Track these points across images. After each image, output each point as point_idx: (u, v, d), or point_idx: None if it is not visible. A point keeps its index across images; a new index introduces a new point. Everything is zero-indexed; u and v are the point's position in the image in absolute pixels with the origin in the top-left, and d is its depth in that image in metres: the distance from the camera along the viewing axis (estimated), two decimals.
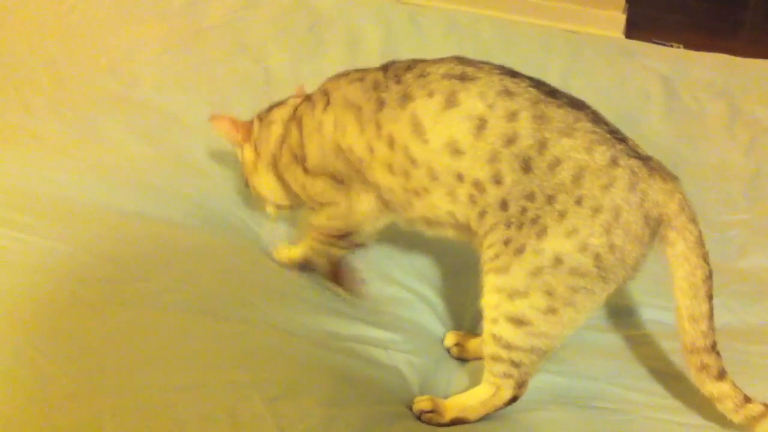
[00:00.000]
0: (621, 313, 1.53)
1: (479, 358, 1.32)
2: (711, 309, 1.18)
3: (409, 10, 2.58)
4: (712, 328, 1.18)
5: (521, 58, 2.25)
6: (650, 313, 1.52)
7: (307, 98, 1.42)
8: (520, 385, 1.26)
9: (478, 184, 1.18)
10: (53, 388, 1.13)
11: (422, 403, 1.29)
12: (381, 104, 1.25)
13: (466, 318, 1.49)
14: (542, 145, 1.14)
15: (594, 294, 1.16)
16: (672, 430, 1.27)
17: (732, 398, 1.20)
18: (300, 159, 1.39)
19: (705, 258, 1.17)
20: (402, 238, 1.55)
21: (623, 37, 3.22)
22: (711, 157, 2.04)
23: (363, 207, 1.34)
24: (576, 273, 1.14)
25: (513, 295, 1.18)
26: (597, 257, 1.12)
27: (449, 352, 1.43)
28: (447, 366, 1.41)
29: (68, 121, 1.84)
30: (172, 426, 1.11)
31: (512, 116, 1.16)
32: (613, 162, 1.13)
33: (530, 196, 1.15)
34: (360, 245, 1.44)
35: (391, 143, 1.24)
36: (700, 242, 1.17)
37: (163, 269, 1.42)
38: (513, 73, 1.21)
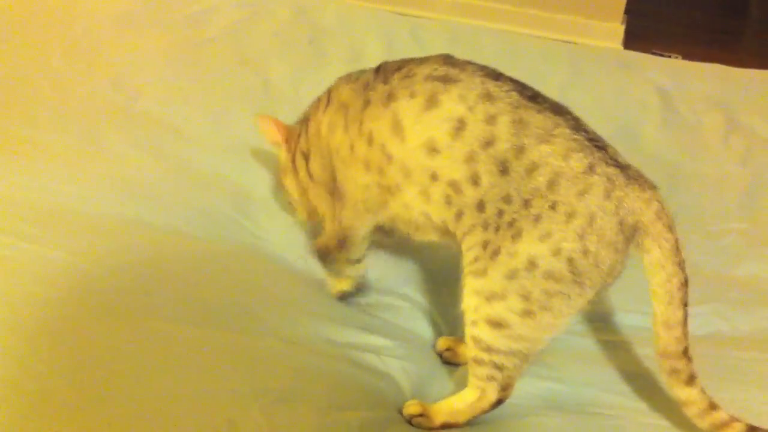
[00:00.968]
0: (612, 319, 1.53)
1: None
2: (686, 315, 1.17)
3: (410, 22, 2.59)
4: (686, 334, 1.18)
5: (521, 69, 2.22)
6: (643, 320, 1.51)
7: (318, 99, 1.43)
8: (504, 387, 1.25)
9: (454, 184, 1.19)
10: (56, 398, 1.13)
11: (411, 408, 1.29)
12: (367, 103, 1.26)
13: (459, 324, 1.49)
14: (520, 150, 1.14)
15: (570, 299, 1.16)
16: None
17: (698, 404, 1.19)
18: (307, 160, 1.41)
19: (681, 265, 1.16)
20: (395, 246, 1.56)
21: (622, 48, 3.23)
22: (708, 168, 2.05)
23: (348, 212, 1.35)
24: (550, 277, 1.14)
25: (491, 298, 1.18)
26: (570, 261, 1.13)
27: (441, 357, 1.44)
28: (440, 371, 1.41)
29: (72, 133, 1.85)
30: None
31: (491, 119, 1.16)
32: (590, 169, 1.13)
33: (507, 199, 1.15)
34: (358, 259, 1.46)
35: (370, 140, 1.25)
36: (677, 250, 1.16)
37: (165, 279, 1.43)
38: (496, 76, 1.21)
